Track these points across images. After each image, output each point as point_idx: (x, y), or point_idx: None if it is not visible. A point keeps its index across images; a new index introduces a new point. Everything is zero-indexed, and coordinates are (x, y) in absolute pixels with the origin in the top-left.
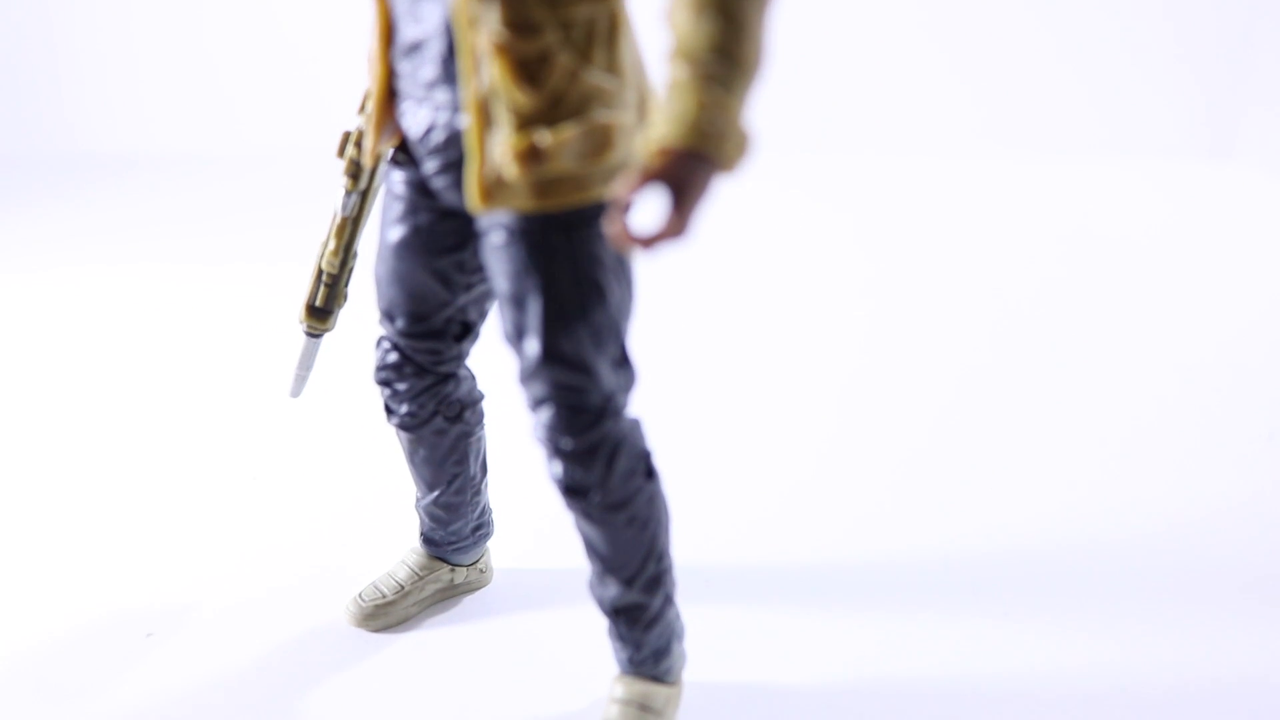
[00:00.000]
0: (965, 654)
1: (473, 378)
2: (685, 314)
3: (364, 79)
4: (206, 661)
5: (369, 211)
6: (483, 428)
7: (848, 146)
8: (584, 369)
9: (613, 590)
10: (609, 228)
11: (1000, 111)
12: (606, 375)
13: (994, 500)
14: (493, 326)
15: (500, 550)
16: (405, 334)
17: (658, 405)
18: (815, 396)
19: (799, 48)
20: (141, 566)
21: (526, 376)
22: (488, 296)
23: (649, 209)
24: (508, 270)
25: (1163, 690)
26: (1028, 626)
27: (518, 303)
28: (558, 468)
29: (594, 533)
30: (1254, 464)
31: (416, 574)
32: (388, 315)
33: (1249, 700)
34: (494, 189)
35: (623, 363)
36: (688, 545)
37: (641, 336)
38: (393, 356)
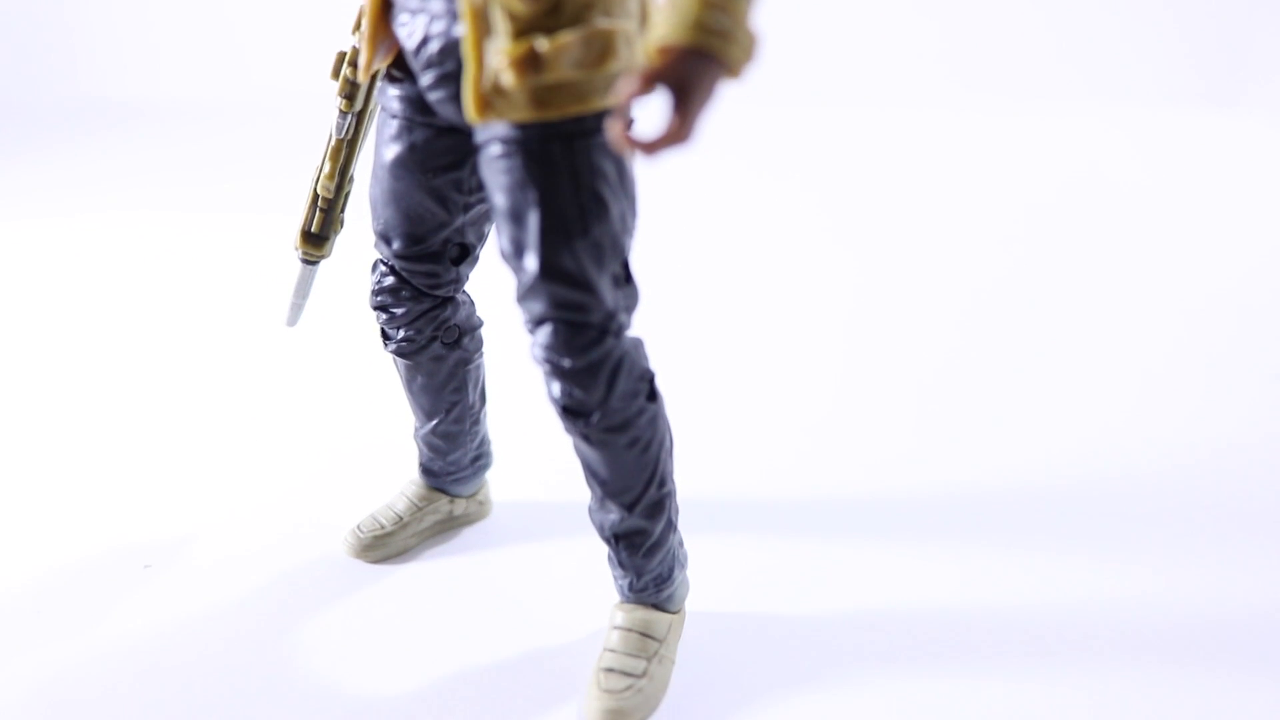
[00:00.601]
0: (974, 589)
1: (471, 303)
2: (692, 235)
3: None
4: (204, 592)
5: (365, 134)
6: (481, 355)
7: (856, 93)
8: (584, 285)
9: (613, 515)
10: (610, 131)
11: (1005, 58)
12: (608, 292)
13: (1005, 438)
14: (492, 251)
15: (500, 483)
16: (402, 256)
17: (660, 329)
18: (825, 328)
19: None
20: (139, 499)
21: (525, 294)
22: (486, 218)
23: (652, 113)
24: (505, 184)
25: (1176, 623)
26: (1038, 562)
27: (516, 218)
28: (557, 388)
29: (594, 456)
30: (1263, 404)
31: (415, 505)
32: (384, 237)
33: (1262, 633)
34: (491, 99)
35: (625, 280)
36: (690, 476)
37: (645, 256)
38: (389, 280)
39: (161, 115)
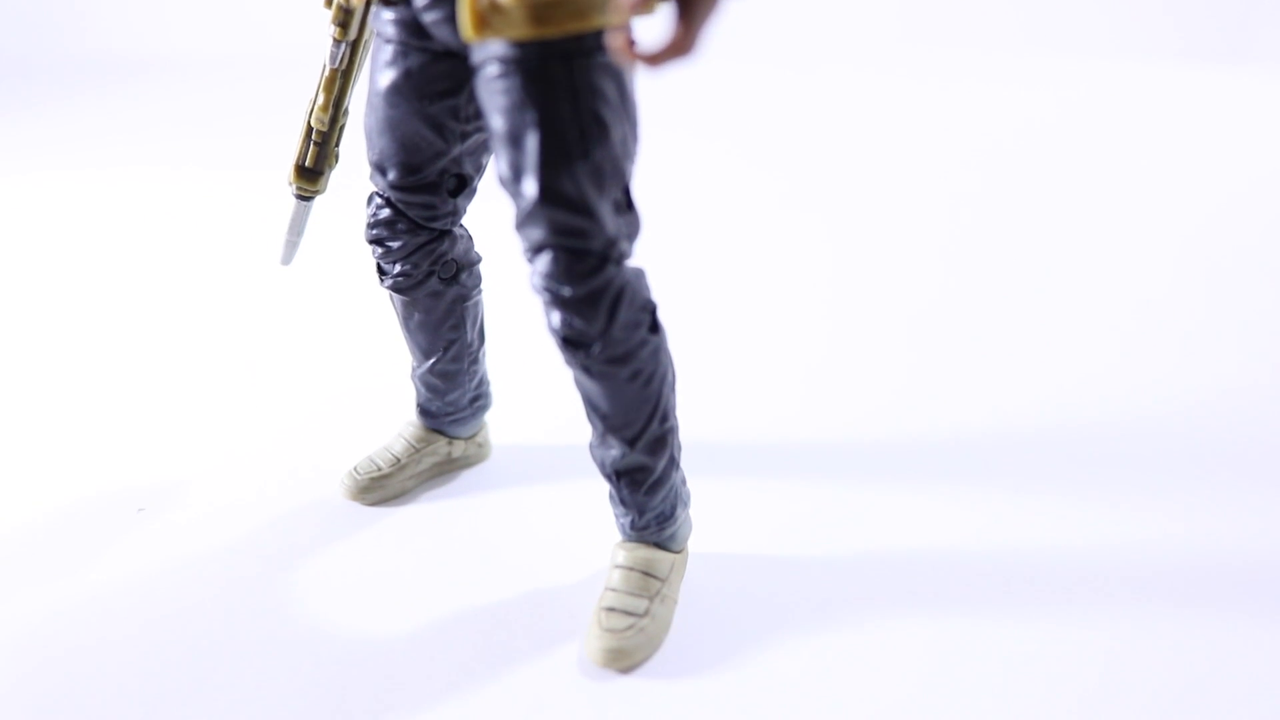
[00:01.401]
0: (976, 531)
1: (469, 238)
2: (696, 169)
3: None
4: (198, 536)
5: (360, 65)
6: (480, 292)
7: (861, 41)
8: (585, 210)
9: (614, 451)
10: (611, 43)
11: (1015, 9)
12: (608, 218)
13: (1007, 380)
14: (491, 186)
15: (499, 426)
16: (397, 187)
17: (662, 263)
18: (827, 268)
19: None
20: (133, 443)
21: (524, 220)
22: (484, 149)
23: (654, 25)
24: (503, 105)
25: (1185, 565)
26: (1043, 504)
27: (514, 140)
28: (557, 318)
29: (595, 389)
30: (1264, 344)
31: (413, 447)
32: (379, 168)
33: (1266, 573)
34: (488, 16)
35: (626, 207)
36: (692, 417)
37: (648, 187)
38: (385, 212)
39: (169, 70)
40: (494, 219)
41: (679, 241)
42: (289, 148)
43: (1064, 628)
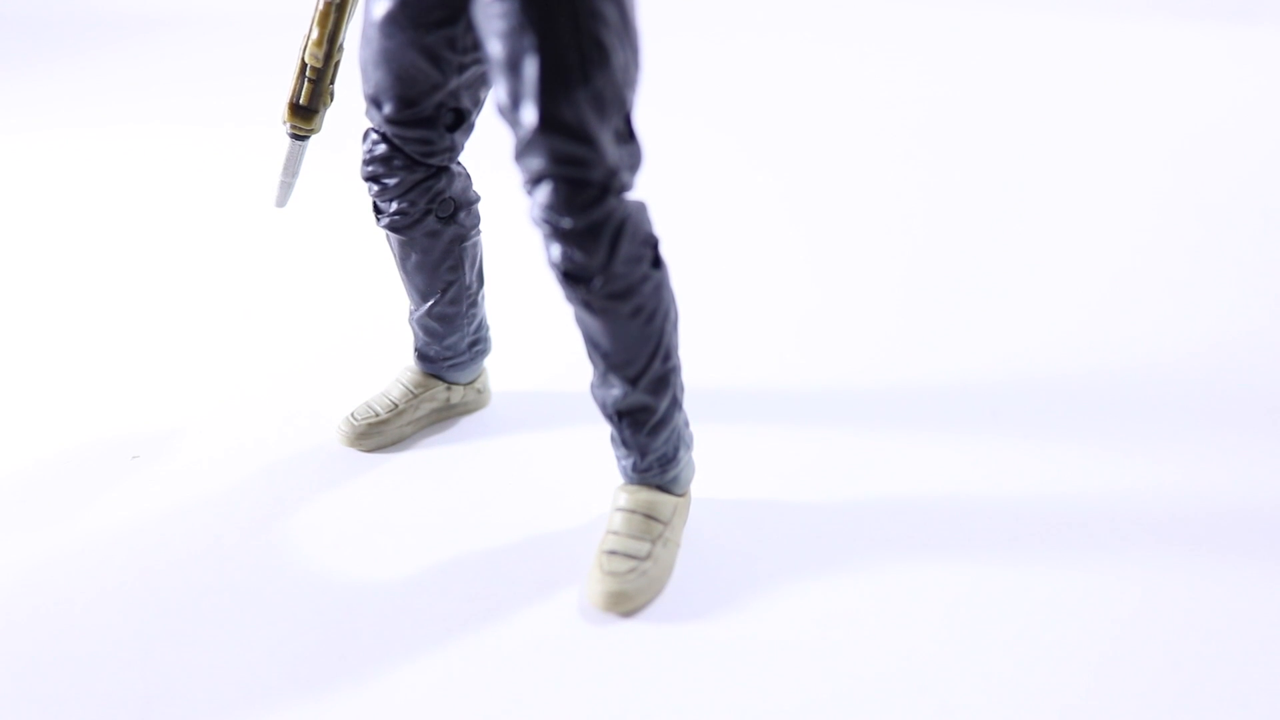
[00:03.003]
0: (978, 477)
1: (467, 176)
2: (700, 98)
3: None
4: (194, 483)
5: (355, 1)
6: (479, 233)
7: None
8: (585, 138)
9: (616, 390)
10: None
11: None
12: (609, 148)
13: (1006, 328)
14: (489, 121)
15: (499, 372)
16: (393, 121)
17: (665, 203)
18: (832, 212)
19: None
20: (128, 390)
21: (523, 149)
22: (481, 82)
23: None
24: (501, 29)
25: (1190, 509)
26: (1045, 450)
27: (513, 66)
28: (557, 251)
29: (596, 325)
30: (1257, 296)
31: (411, 392)
32: (374, 101)
33: (1272, 521)
34: None
35: (628, 137)
36: (694, 361)
37: (649, 119)
38: (381, 148)
39: (175, 27)
40: (494, 158)
41: (682, 178)
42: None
43: (1071, 571)
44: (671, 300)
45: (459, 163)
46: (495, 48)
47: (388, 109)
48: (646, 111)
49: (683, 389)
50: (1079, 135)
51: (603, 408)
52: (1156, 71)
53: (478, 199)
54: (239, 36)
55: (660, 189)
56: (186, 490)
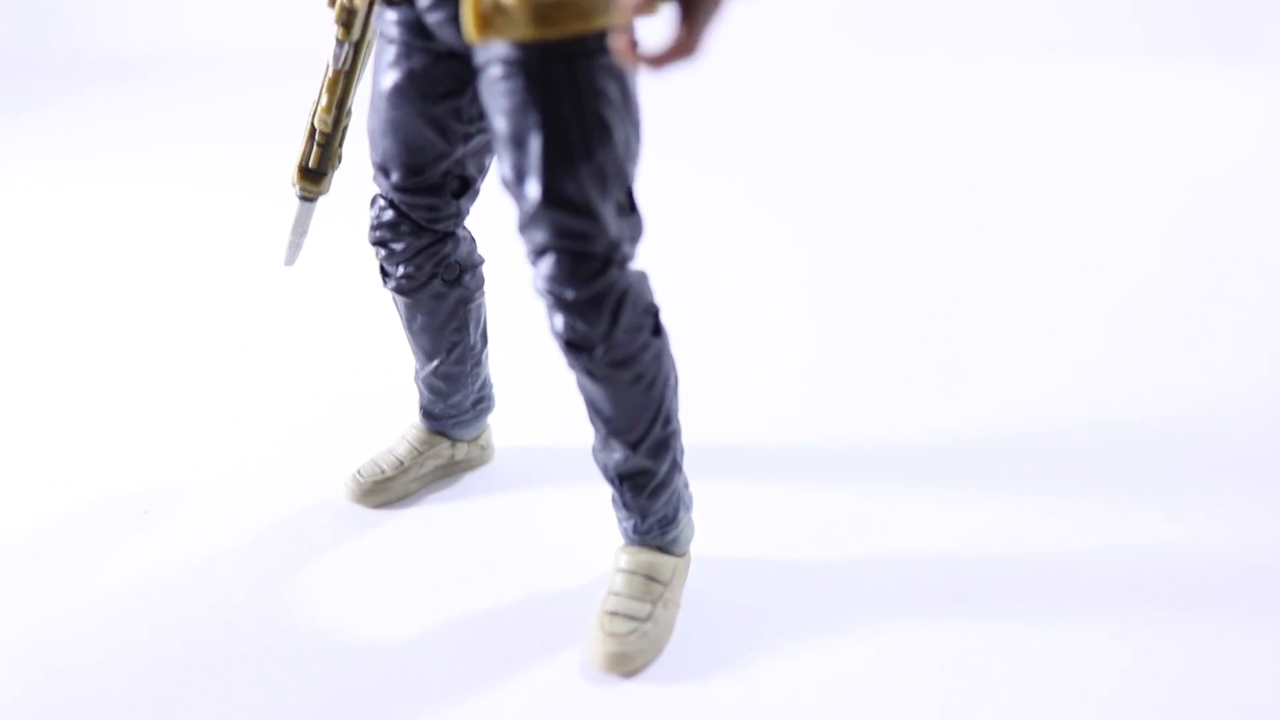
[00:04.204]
0: (979, 535)
1: (472, 240)
2: (696, 168)
3: None
4: (204, 538)
5: (363, 66)
6: (483, 294)
7: (864, 43)
8: (587, 213)
9: (617, 454)
10: (614, 44)
11: (1016, 8)
12: (611, 221)
13: (1006, 381)
14: (493, 189)
15: (502, 428)
16: (401, 189)
17: (665, 269)
18: (827, 271)
19: None
20: (138, 445)
21: (527, 222)
22: (487, 150)
23: (657, 27)
24: (506, 106)
25: (1187, 567)
26: (1046, 506)
27: (517, 142)
28: (560, 321)
29: (598, 392)
30: (1259, 349)
31: (416, 449)
32: (382, 169)
33: (1266, 575)
34: (491, 17)
35: (629, 209)
36: (694, 419)
37: (650, 190)
38: (388, 214)
39: (175, 70)
40: (497, 221)
41: (680, 245)
42: (293, 149)
43: (1072, 631)
44: (671, 366)
45: (464, 227)
46: (500, 123)
47: (395, 177)
48: (644, 181)
49: (683, 452)
50: (1079, 188)
51: (604, 470)
52: (1156, 119)
53: (482, 261)
54: (236, 80)
55: (659, 252)
56: (197, 546)
